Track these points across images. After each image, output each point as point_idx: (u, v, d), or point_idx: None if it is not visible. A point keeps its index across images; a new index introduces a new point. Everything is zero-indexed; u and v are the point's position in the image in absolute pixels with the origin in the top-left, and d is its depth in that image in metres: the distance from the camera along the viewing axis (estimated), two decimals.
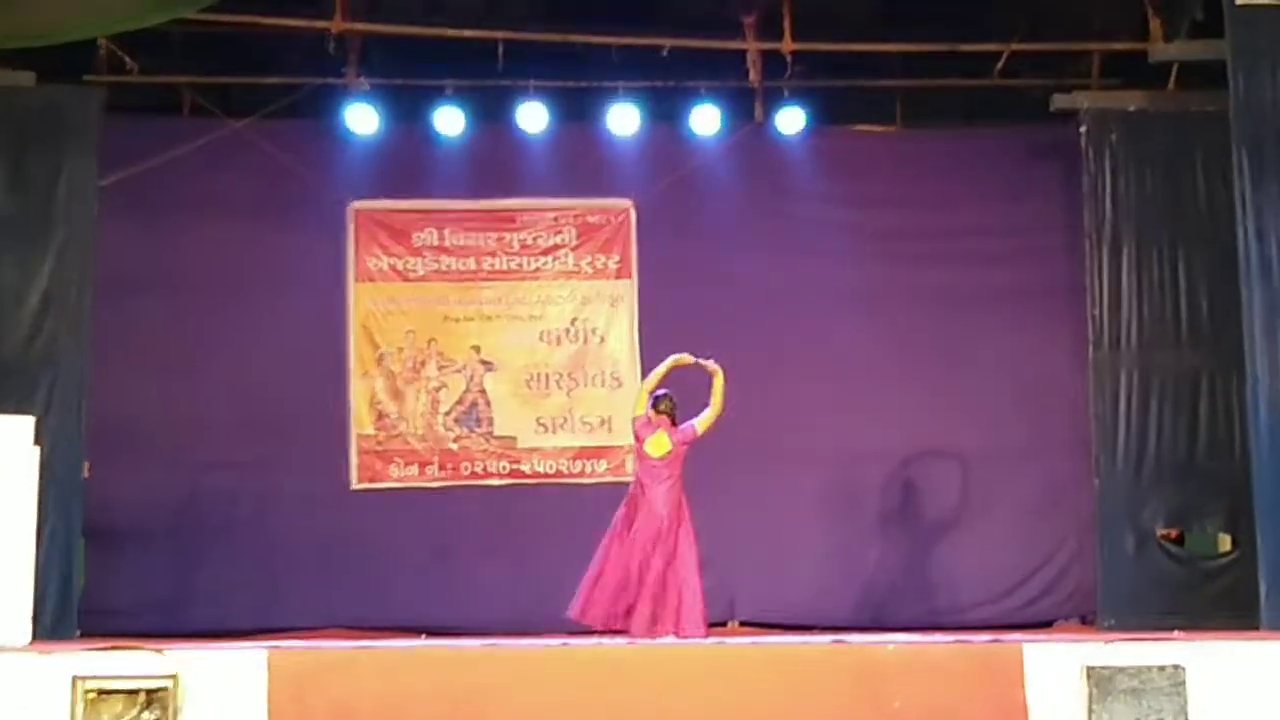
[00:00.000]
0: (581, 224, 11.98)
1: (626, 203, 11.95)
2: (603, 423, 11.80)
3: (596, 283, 11.96)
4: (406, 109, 11.69)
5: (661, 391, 9.30)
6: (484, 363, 11.88)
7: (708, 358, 9.31)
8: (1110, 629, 10.25)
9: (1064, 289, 11.47)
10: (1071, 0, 11.33)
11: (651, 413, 9.27)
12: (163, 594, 11.04)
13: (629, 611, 8.94)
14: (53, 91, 10.75)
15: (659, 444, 9.18)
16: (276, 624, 10.78)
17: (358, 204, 11.82)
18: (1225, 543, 11.14)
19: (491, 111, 11.68)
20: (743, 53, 11.35)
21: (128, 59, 11.04)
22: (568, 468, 11.80)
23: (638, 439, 9.30)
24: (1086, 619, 11.32)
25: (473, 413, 11.84)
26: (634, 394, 9.79)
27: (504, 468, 11.78)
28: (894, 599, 11.50)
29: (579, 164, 11.90)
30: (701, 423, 9.22)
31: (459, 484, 11.71)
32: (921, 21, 11.45)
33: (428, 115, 11.58)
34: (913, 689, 6.90)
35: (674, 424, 9.24)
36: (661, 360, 9.43)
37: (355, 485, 11.65)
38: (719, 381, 9.25)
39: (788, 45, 11.16)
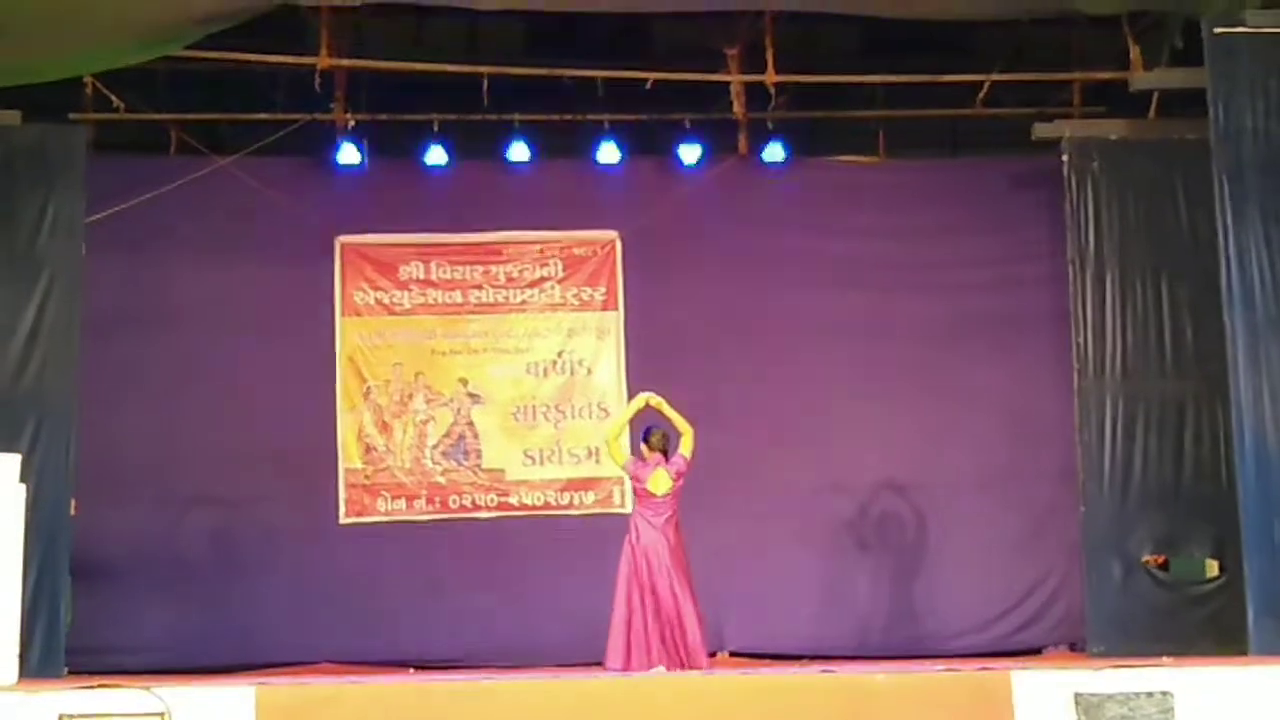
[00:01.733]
0: (567, 256, 12.00)
1: (612, 235, 11.97)
2: (590, 454, 11.79)
3: (583, 314, 11.98)
4: (392, 144, 11.74)
5: (652, 427, 9.32)
6: (471, 395, 11.88)
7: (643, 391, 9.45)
8: (1099, 655, 10.23)
9: (1049, 317, 11.48)
10: (1052, 30, 11.39)
11: (645, 449, 9.30)
12: (151, 631, 11.00)
13: (667, 648, 8.94)
14: (39, 130, 10.70)
15: (661, 481, 9.18)
16: (265, 659, 10.73)
17: (344, 238, 11.83)
18: (1212, 568, 11.09)
19: (477, 145, 11.72)
20: (726, 85, 11.39)
21: (114, 97, 11.03)
22: (556, 499, 11.79)
23: (637, 480, 9.27)
24: (1075, 646, 11.32)
25: (460, 445, 11.83)
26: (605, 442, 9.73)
27: (492, 500, 11.75)
28: (883, 628, 11.51)
29: (564, 197, 11.92)
30: (685, 449, 9.22)
31: (447, 517, 11.69)
32: (903, 52, 11.55)
33: (414, 150, 11.63)
34: (902, 718, 6.89)
35: (667, 458, 9.25)
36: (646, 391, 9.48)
37: (343, 519, 11.62)
38: (663, 404, 9.25)
39: (771, 77, 11.18)
